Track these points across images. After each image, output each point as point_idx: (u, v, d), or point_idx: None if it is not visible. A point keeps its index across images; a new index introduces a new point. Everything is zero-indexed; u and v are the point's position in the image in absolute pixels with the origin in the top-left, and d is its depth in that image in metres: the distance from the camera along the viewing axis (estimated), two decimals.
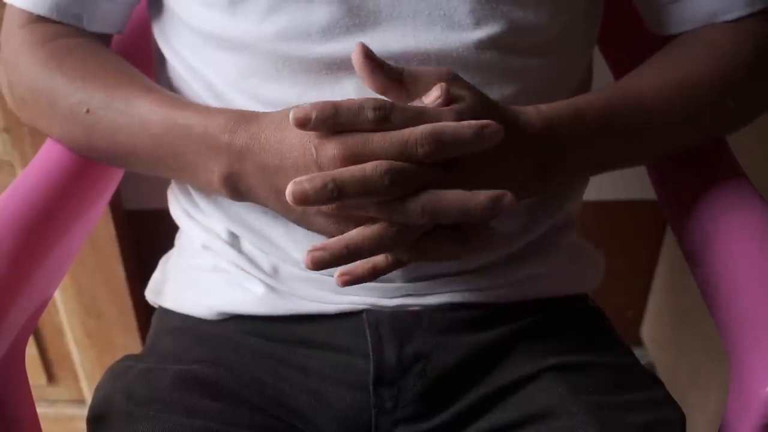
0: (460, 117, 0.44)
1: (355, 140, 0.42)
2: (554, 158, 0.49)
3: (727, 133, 0.60)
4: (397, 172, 0.42)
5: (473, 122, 0.42)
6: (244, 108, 0.54)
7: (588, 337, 0.58)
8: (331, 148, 0.43)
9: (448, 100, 0.44)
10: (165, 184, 0.65)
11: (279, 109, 0.53)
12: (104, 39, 0.60)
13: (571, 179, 0.57)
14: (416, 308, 0.55)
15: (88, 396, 1.20)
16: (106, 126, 0.53)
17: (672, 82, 0.54)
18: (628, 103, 0.52)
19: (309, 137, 0.44)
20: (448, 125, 0.42)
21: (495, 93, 0.52)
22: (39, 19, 0.57)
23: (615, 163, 0.56)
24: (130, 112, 0.52)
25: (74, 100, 0.54)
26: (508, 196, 0.43)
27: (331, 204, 0.42)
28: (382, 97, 0.45)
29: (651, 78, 0.55)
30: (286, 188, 0.42)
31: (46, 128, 0.58)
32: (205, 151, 0.49)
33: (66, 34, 0.57)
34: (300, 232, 0.54)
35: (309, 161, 0.44)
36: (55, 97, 0.55)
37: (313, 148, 0.43)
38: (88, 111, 0.53)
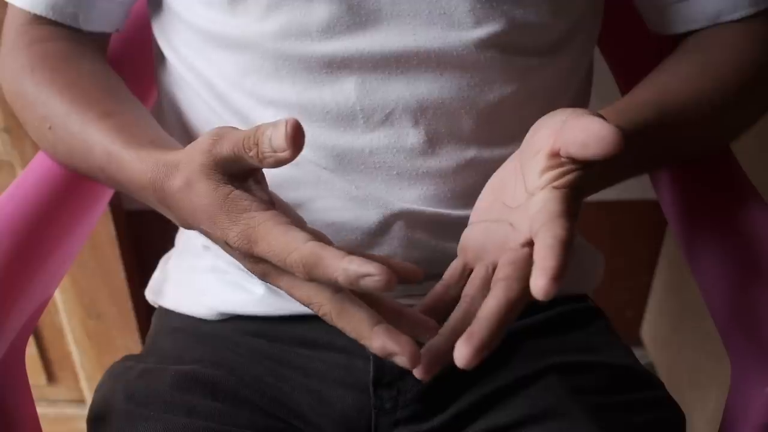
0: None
1: (249, 241, 0.40)
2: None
3: (738, 136, 0.59)
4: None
5: (355, 267, 0.36)
6: (243, 107, 0.54)
7: (588, 337, 0.58)
8: (233, 239, 0.41)
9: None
10: None
11: (277, 109, 0.53)
12: (99, 40, 0.60)
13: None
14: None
15: (88, 396, 1.20)
16: (66, 146, 0.53)
17: (701, 92, 0.53)
18: (671, 121, 0.51)
19: (209, 213, 0.42)
20: (324, 258, 0.37)
21: (495, 92, 0.53)
22: (36, 19, 0.57)
23: (636, 174, 0.56)
24: (82, 137, 0.52)
25: (41, 114, 0.54)
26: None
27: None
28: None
29: (680, 91, 0.53)
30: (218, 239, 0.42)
31: (29, 132, 0.58)
32: (144, 199, 0.48)
33: (55, 38, 0.57)
34: None
35: (219, 235, 0.42)
36: (27, 106, 0.55)
37: (219, 232, 0.42)
38: (50, 128, 0.54)
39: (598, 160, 0.38)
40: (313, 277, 0.38)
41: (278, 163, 0.40)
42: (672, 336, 1.20)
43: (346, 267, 0.36)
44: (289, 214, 0.45)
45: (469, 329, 0.37)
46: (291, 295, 0.42)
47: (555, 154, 0.41)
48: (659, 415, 0.53)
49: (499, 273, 0.40)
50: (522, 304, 0.39)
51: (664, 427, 0.53)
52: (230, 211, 0.41)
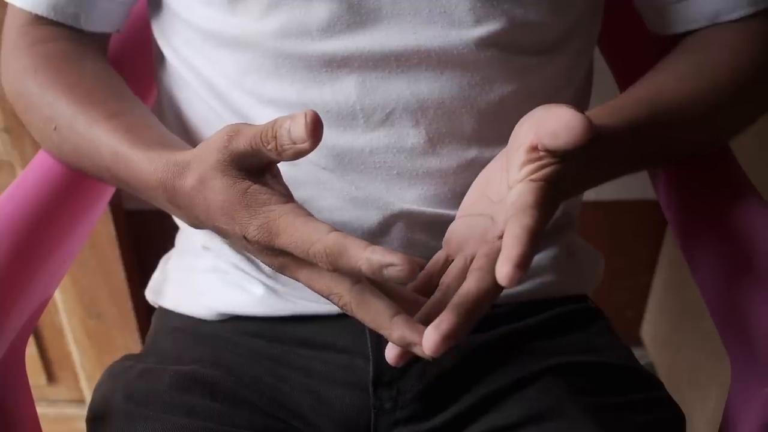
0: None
1: (270, 234, 0.41)
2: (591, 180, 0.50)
3: (735, 135, 0.60)
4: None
5: (378, 256, 0.36)
6: (243, 106, 0.54)
7: (588, 337, 0.58)
8: (253, 232, 0.41)
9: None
10: None
11: (277, 107, 0.53)
12: (100, 40, 0.60)
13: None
14: None
15: (88, 396, 1.20)
16: (72, 147, 0.54)
17: (697, 92, 0.53)
18: (666, 120, 0.52)
19: (227, 209, 0.42)
20: (348, 248, 0.37)
21: (496, 92, 0.53)
22: (37, 20, 0.57)
23: (628, 172, 0.56)
24: (90, 137, 0.52)
25: (45, 114, 0.54)
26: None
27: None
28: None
29: (676, 90, 0.54)
30: (230, 235, 0.43)
31: (32, 132, 0.58)
32: (152, 199, 0.48)
33: (56, 38, 0.57)
34: None
35: (237, 230, 0.43)
36: (30, 107, 0.55)
37: (237, 227, 0.42)
38: (55, 128, 0.54)
39: (569, 149, 0.39)
40: (336, 266, 0.38)
41: (297, 155, 0.40)
42: (672, 336, 1.20)
43: (369, 256, 0.36)
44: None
45: (438, 318, 0.38)
46: (310, 287, 0.42)
47: (534, 148, 0.42)
48: (659, 415, 0.53)
49: (474, 264, 0.41)
50: (494, 295, 0.40)
51: (664, 427, 0.53)
52: (250, 205, 0.41)
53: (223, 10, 0.52)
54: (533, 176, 0.42)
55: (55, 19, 0.57)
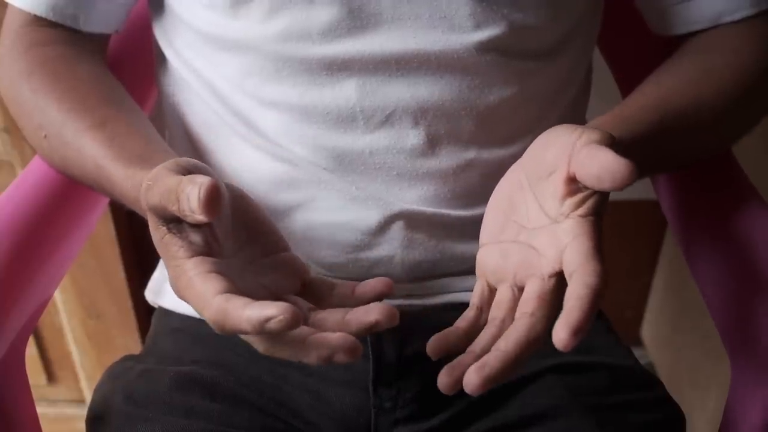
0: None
1: (178, 286, 0.40)
2: None
3: (742, 137, 0.59)
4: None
5: (256, 313, 0.35)
6: (245, 109, 0.54)
7: (588, 337, 0.58)
8: (172, 282, 0.41)
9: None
10: None
11: (278, 110, 0.53)
12: (99, 41, 0.60)
13: None
14: (418, 308, 0.55)
15: (88, 396, 1.20)
16: (60, 156, 0.54)
17: (704, 96, 0.53)
18: (674, 126, 0.51)
19: (157, 247, 0.42)
20: (229, 314, 0.36)
21: (495, 94, 0.53)
22: (36, 21, 0.57)
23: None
24: (76, 147, 0.52)
25: (36, 122, 0.54)
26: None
27: None
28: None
29: (682, 95, 0.53)
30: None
31: (26, 137, 0.58)
32: (139, 212, 0.48)
33: (54, 41, 0.57)
34: (298, 235, 0.54)
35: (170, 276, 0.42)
36: (24, 114, 0.55)
37: (168, 270, 0.42)
38: (45, 137, 0.54)
39: (613, 190, 0.39)
40: (226, 331, 0.37)
41: (198, 223, 0.39)
42: (672, 336, 1.20)
43: (248, 316, 0.35)
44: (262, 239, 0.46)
45: (484, 358, 0.37)
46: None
47: (573, 179, 0.41)
48: (659, 415, 0.53)
49: (526, 306, 0.40)
50: (542, 340, 0.39)
51: (664, 427, 0.53)
52: (164, 254, 0.41)
53: (226, 14, 0.52)
54: (581, 211, 0.41)
55: (53, 19, 0.56)
